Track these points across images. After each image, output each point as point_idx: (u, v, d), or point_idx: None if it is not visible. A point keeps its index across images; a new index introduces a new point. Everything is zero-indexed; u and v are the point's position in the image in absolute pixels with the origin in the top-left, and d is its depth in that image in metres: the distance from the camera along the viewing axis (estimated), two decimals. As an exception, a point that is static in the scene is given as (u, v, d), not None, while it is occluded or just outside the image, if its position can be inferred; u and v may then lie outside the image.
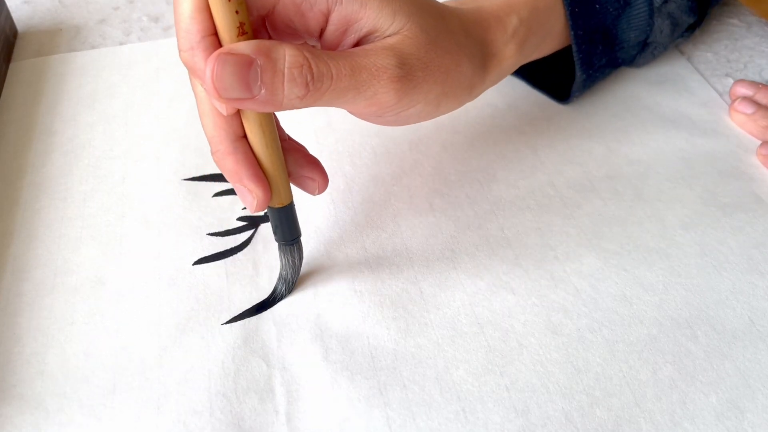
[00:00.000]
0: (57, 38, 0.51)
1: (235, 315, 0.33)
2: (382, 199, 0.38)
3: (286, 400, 0.30)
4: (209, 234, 0.37)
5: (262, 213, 0.38)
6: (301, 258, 0.33)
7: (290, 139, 0.32)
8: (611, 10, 0.40)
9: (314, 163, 0.32)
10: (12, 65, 0.48)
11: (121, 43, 0.50)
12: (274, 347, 0.32)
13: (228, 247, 0.36)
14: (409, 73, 0.28)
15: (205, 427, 0.29)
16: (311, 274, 0.35)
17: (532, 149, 0.41)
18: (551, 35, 0.38)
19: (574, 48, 0.39)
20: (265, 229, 0.37)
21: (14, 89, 0.46)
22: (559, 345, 0.32)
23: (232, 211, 0.38)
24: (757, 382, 0.30)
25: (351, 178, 0.40)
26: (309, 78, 0.26)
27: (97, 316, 0.33)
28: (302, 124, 0.43)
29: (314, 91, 0.26)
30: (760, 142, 0.41)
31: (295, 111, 0.43)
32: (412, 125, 0.43)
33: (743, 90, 0.43)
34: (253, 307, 0.33)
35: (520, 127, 0.43)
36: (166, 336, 0.32)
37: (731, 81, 0.46)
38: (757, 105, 0.42)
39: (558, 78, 0.44)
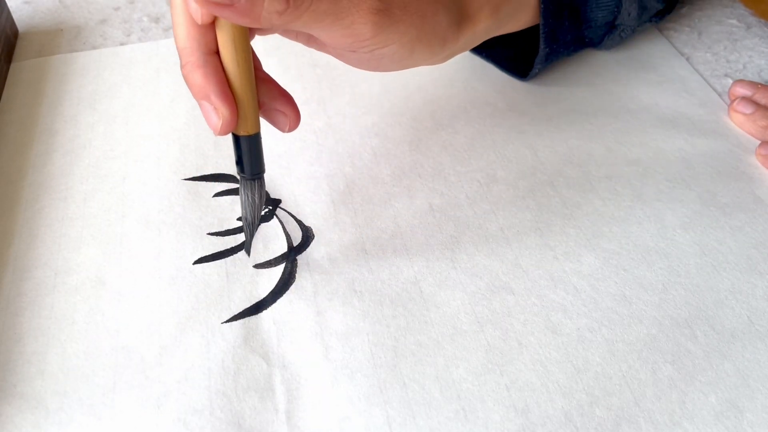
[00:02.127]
0: (58, 38, 0.51)
1: (236, 314, 0.33)
2: (382, 200, 0.38)
3: (286, 399, 0.30)
4: (209, 234, 0.37)
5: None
6: (262, 197, 0.32)
7: (264, 71, 0.31)
8: None
9: (287, 98, 0.31)
10: (13, 65, 0.48)
11: (121, 44, 0.50)
12: (274, 346, 0.32)
13: (228, 247, 0.36)
14: (388, 9, 0.29)
15: (205, 426, 0.29)
16: (311, 274, 0.35)
17: (532, 149, 0.41)
18: (524, 7, 0.39)
19: (542, 21, 0.40)
20: (265, 229, 0.37)
21: (15, 89, 0.46)
22: (558, 344, 0.32)
23: (232, 211, 0.38)
24: (756, 382, 0.30)
25: (351, 179, 0.40)
26: None
27: (98, 315, 0.33)
28: (302, 125, 0.43)
29: (294, 8, 0.26)
30: (759, 142, 0.41)
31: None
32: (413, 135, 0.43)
33: (742, 90, 0.43)
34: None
35: (520, 127, 0.43)
36: (166, 335, 0.32)
37: (730, 81, 0.46)
38: (756, 105, 0.42)
39: (525, 57, 0.45)
